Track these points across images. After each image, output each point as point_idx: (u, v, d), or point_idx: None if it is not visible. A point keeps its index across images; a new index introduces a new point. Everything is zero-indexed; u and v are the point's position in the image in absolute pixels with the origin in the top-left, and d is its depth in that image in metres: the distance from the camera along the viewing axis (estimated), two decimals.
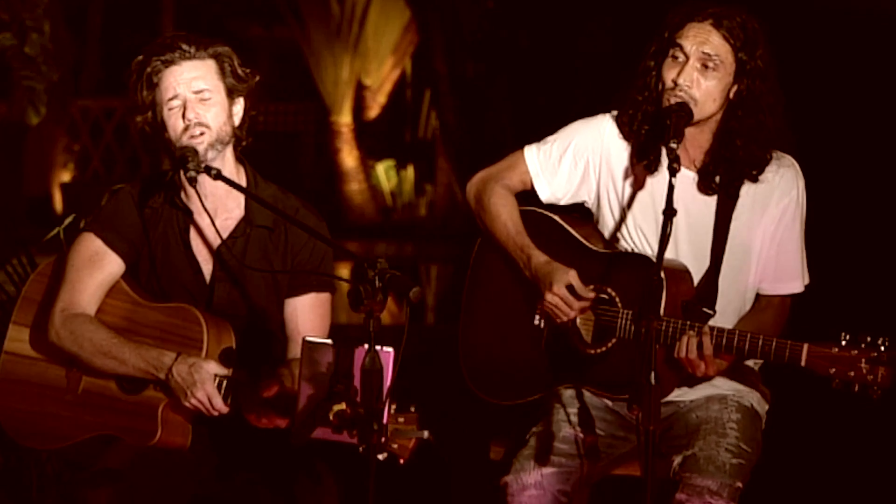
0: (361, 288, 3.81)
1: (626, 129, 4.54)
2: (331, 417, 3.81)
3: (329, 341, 3.90)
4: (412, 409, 3.87)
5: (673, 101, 4.37)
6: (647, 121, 4.48)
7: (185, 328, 4.39)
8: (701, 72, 4.39)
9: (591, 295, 4.46)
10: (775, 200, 4.51)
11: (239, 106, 4.48)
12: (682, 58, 4.40)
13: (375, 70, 16.42)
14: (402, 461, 3.89)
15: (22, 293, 4.68)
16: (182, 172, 4.35)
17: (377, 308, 3.82)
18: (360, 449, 3.80)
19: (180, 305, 4.44)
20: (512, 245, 4.59)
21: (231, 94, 4.46)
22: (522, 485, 4.42)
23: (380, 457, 3.82)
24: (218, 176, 4.35)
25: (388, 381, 3.82)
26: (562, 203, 4.67)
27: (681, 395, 4.55)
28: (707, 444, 4.39)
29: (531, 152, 4.66)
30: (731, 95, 4.44)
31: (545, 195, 4.65)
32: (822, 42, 7.28)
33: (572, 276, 4.45)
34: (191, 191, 4.46)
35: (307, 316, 4.52)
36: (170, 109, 4.40)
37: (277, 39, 16.59)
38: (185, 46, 4.41)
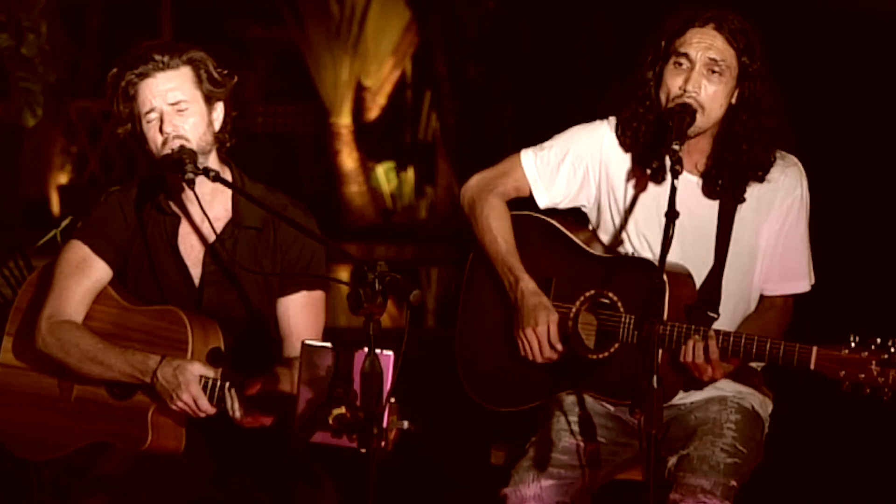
0: (361, 291, 3.79)
1: (629, 140, 4.52)
2: (330, 421, 3.79)
3: (328, 345, 3.88)
4: (392, 400, 3.83)
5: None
6: (651, 131, 4.47)
7: (170, 330, 4.38)
8: (707, 77, 4.37)
9: (561, 348, 4.44)
10: (779, 200, 4.50)
11: (218, 111, 4.46)
12: (686, 65, 4.38)
13: (375, 71, 16.41)
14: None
15: (14, 304, 4.67)
16: (180, 175, 4.32)
17: (377, 311, 3.80)
18: (362, 451, 3.77)
19: (166, 308, 4.42)
20: (500, 263, 4.56)
21: (209, 100, 4.43)
22: (521, 497, 4.39)
23: (362, 450, 3.79)
24: (216, 178, 4.34)
25: (388, 385, 3.79)
26: (560, 207, 4.65)
27: (682, 397, 4.53)
28: (703, 444, 4.38)
29: (528, 159, 4.63)
30: (734, 100, 4.43)
31: (543, 202, 4.63)
32: (824, 42, 7.27)
33: (553, 321, 4.43)
34: (184, 193, 4.44)
35: (300, 315, 4.50)
36: (148, 122, 4.38)
37: (276, 40, 16.57)
38: (157, 57, 4.38)
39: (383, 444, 3.81)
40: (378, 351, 3.78)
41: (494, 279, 4.60)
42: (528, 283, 4.50)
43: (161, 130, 4.36)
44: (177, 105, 4.37)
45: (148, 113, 4.37)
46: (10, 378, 4.58)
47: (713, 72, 4.37)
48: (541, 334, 4.43)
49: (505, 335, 4.59)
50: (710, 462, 4.32)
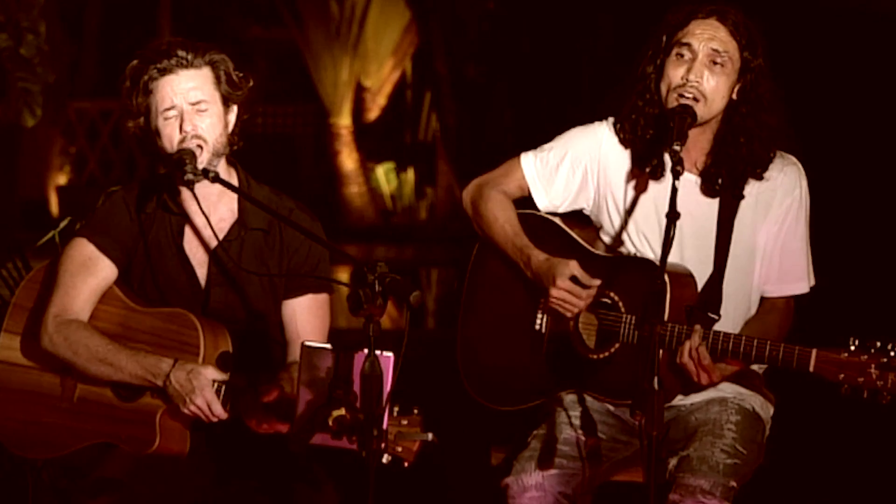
0: (361, 292, 3.78)
1: (628, 135, 4.51)
2: (330, 423, 3.79)
3: (328, 346, 3.87)
4: (415, 412, 3.85)
5: (679, 100, 4.35)
6: (651, 125, 4.45)
7: (180, 333, 4.36)
8: (710, 68, 4.37)
9: (597, 282, 4.41)
10: (778, 200, 4.48)
11: (234, 114, 4.45)
12: (689, 56, 4.38)
13: (375, 71, 16.39)
14: (406, 464, 3.85)
15: (13, 300, 4.64)
16: (179, 176, 4.31)
17: (377, 312, 3.79)
18: (363, 453, 3.76)
19: (176, 310, 4.40)
20: (511, 247, 4.55)
21: (226, 102, 4.42)
22: (523, 486, 4.38)
23: (384, 460, 3.78)
24: (216, 179, 4.32)
25: (388, 387, 3.79)
26: (560, 210, 4.64)
27: (682, 398, 4.51)
28: (702, 444, 4.37)
29: (528, 160, 4.63)
30: (735, 95, 4.42)
31: (543, 203, 4.62)
32: (824, 42, 7.26)
33: (574, 267, 4.40)
34: (185, 194, 4.42)
35: (305, 317, 4.49)
36: (165, 119, 4.37)
37: (276, 40, 16.56)
38: (181, 54, 4.37)
39: (405, 456, 3.81)
40: (378, 352, 3.77)
41: (497, 278, 4.60)
42: (538, 255, 4.48)
43: (181, 129, 4.34)
44: (197, 105, 4.36)
45: (167, 110, 4.36)
46: (10, 375, 4.55)
47: (715, 63, 4.37)
48: (565, 285, 4.38)
49: (506, 334, 4.59)
50: (709, 462, 4.31)
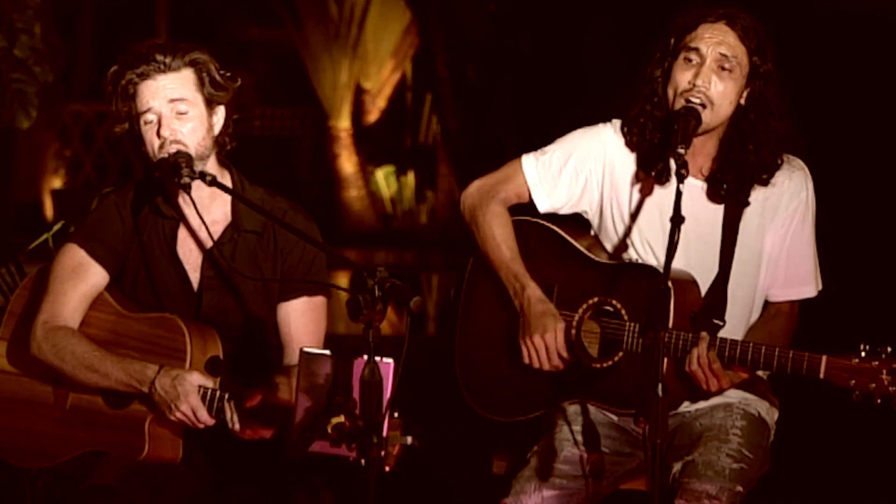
0: (360, 297, 3.74)
1: (636, 138, 4.48)
2: (329, 430, 3.74)
3: (327, 352, 3.84)
4: (395, 415, 3.79)
5: (686, 104, 4.30)
6: (658, 128, 4.42)
7: (168, 339, 4.33)
8: (717, 73, 4.34)
9: (567, 356, 4.40)
10: (784, 204, 4.46)
11: (219, 115, 4.41)
12: (696, 60, 4.34)
13: (375, 73, 16.41)
14: (387, 468, 3.80)
15: (8, 307, 4.62)
16: (176, 179, 4.28)
17: (377, 318, 3.76)
18: (362, 462, 3.73)
19: (163, 315, 4.38)
20: (505, 270, 4.51)
21: (210, 103, 4.38)
22: None
23: (363, 463, 3.74)
24: (213, 182, 4.30)
25: (387, 393, 3.75)
26: (561, 213, 4.60)
27: (687, 404, 4.48)
28: (707, 449, 4.34)
29: (529, 163, 4.58)
30: (743, 100, 4.39)
31: (544, 207, 4.58)
32: (835, 45, 7.25)
33: (559, 329, 4.38)
34: (179, 197, 4.39)
35: (301, 321, 4.46)
36: (145, 124, 4.34)
37: (275, 42, 16.59)
38: (160, 57, 4.33)
39: (385, 460, 3.76)
40: (378, 358, 3.74)
41: (495, 287, 4.55)
42: (534, 290, 4.44)
43: (159, 134, 4.31)
44: (176, 109, 4.32)
45: (145, 113, 4.32)
46: (3, 384, 4.53)
47: (723, 68, 4.33)
48: (549, 341, 4.38)
49: (506, 343, 4.54)
50: (715, 467, 4.28)
